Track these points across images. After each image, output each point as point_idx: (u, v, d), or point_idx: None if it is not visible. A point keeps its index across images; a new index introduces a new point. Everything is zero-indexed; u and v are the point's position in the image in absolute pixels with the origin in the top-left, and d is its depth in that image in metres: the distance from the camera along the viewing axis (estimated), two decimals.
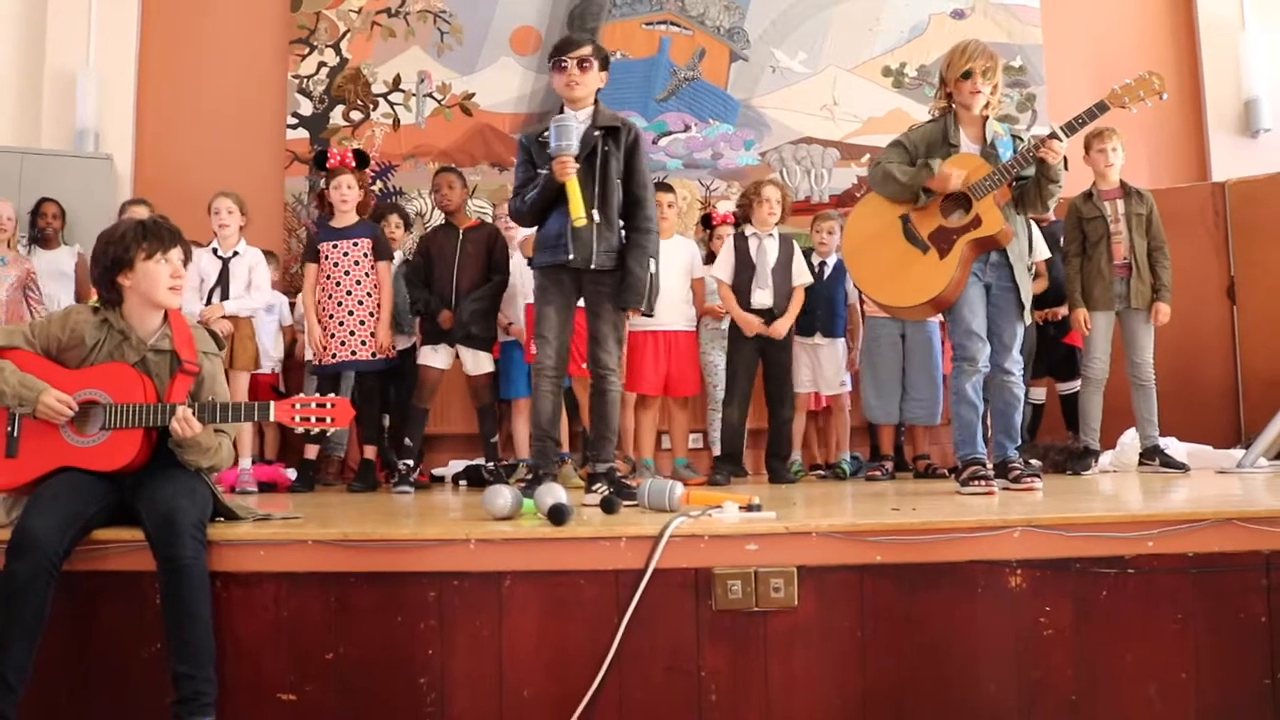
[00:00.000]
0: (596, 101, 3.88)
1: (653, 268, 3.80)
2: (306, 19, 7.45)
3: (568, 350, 3.90)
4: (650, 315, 3.86)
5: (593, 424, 3.94)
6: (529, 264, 3.95)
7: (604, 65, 3.87)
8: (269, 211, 6.97)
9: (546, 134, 3.77)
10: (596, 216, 3.69)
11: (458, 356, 5.22)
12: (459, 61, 7.44)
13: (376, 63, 7.44)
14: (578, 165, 3.66)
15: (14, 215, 5.77)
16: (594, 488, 3.70)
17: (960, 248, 3.80)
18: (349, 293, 5.15)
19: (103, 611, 2.73)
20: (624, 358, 3.93)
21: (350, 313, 5.14)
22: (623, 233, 3.85)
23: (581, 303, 3.92)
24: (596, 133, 3.76)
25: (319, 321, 5.16)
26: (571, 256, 3.72)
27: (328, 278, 5.17)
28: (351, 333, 5.12)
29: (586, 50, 3.82)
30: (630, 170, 3.84)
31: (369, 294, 5.16)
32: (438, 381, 5.22)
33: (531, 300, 4.72)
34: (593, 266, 3.74)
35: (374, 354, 5.14)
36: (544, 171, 3.73)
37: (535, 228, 3.96)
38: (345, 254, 5.18)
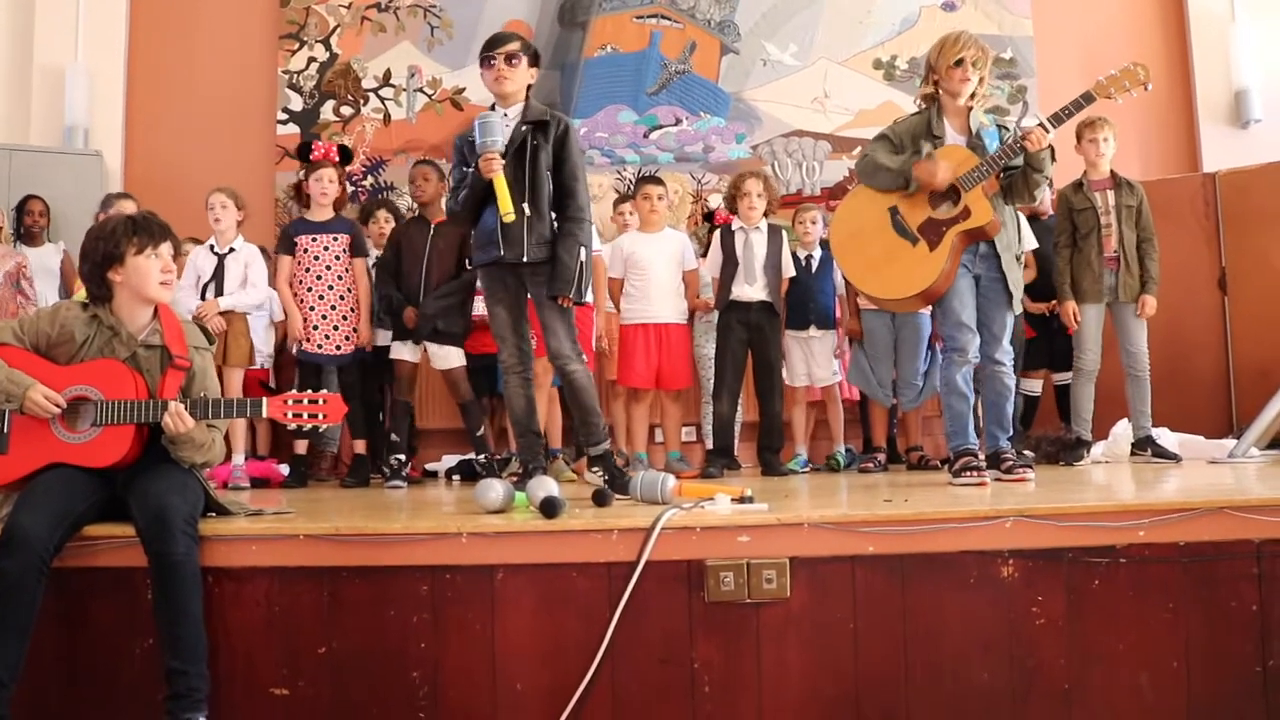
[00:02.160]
0: (527, 97, 3.87)
1: (583, 256, 3.76)
2: (296, 14, 7.43)
3: (529, 344, 3.90)
4: (581, 303, 3.82)
5: (572, 413, 3.94)
6: (468, 264, 3.93)
7: (534, 61, 3.87)
8: (259, 207, 6.91)
9: None
10: (527, 210, 3.67)
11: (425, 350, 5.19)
12: (450, 56, 7.42)
13: (367, 57, 7.42)
14: (504, 161, 3.65)
15: (1, 211, 5.74)
16: (592, 469, 3.71)
17: (950, 239, 3.81)
18: (330, 287, 5.16)
19: (94, 608, 2.72)
20: (578, 338, 3.88)
21: (332, 307, 5.15)
22: (554, 224, 3.81)
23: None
24: (524, 127, 3.75)
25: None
26: (502, 253, 3.70)
27: (306, 270, 5.18)
28: (321, 328, 5.14)
29: (514, 46, 3.81)
30: (560, 161, 3.81)
31: (348, 290, 5.18)
32: (412, 374, 5.20)
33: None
34: (525, 260, 3.72)
35: (357, 347, 5.14)
36: (467, 169, 3.71)
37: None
38: (326, 248, 5.18)
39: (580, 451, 5.44)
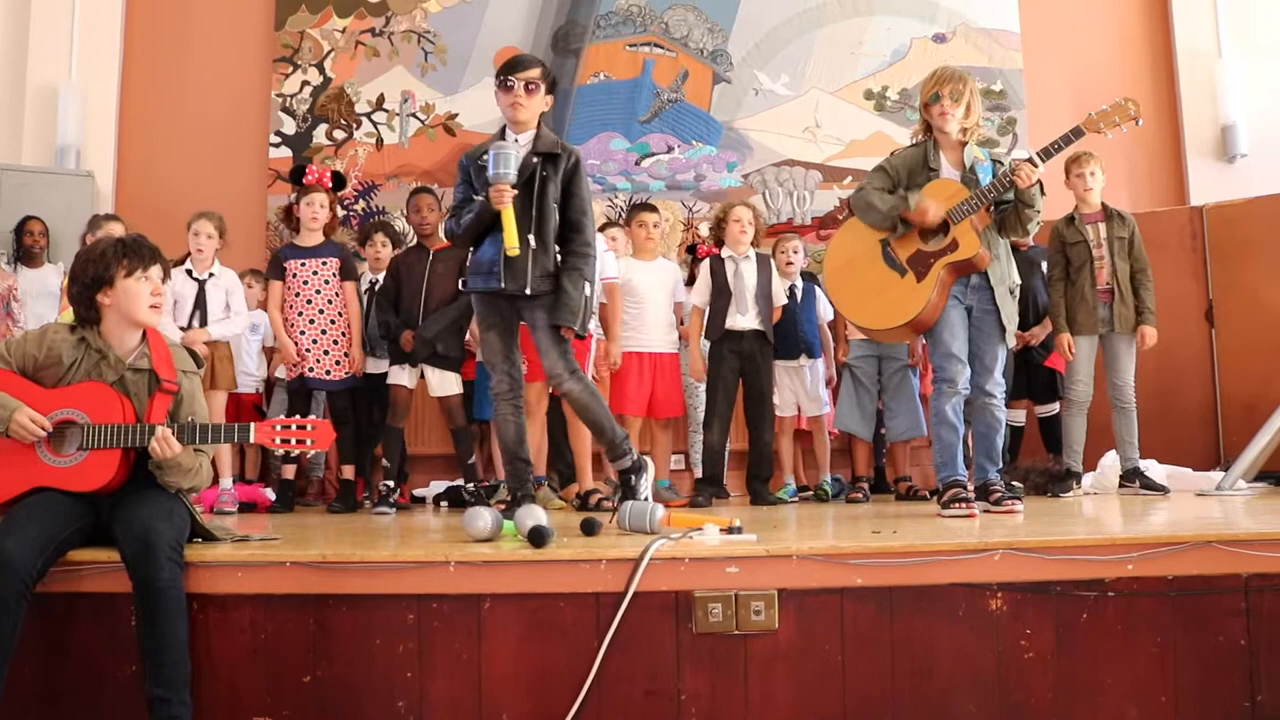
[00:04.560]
0: (540, 125, 3.83)
1: (588, 290, 3.73)
2: (290, 37, 7.46)
3: (519, 371, 3.86)
4: (583, 337, 3.80)
5: (593, 434, 3.91)
6: (462, 287, 3.90)
7: (551, 89, 3.83)
8: (251, 230, 6.96)
9: (486, 157, 3.71)
10: (532, 243, 3.64)
11: (423, 377, 5.17)
12: (443, 82, 7.46)
13: (360, 82, 7.45)
14: (514, 193, 3.61)
15: None
16: (632, 480, 3.70)
17: (937, 271, 3.83)
18: (321, 311, 5.14)
19: (77, 633, 2.70)
20: (574, 359, 3.87)
21: (323, 331, 5.14)
22: (559, 256, 3.77)
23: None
24: (535, 159, 3.71)
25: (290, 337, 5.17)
26: (504, 285, 3.67)
27: (296, 295, 5.16)
28: (312, 352, 5.12)
29: (535, 73, 3.76)
30: (569, 195, 3.77)
31: (339, 314, 5.17)
32: (408, 401, 5.16)
33: None
34: (528, 292, 3.68)
35: (347, 372, 5.14)
36: (477, 198, 3.69)
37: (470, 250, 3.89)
38: (315, 273, 5.16)
39: (567, 480, 5.43)
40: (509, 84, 3.75)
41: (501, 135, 3.83)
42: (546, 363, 3.75)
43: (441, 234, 4.02)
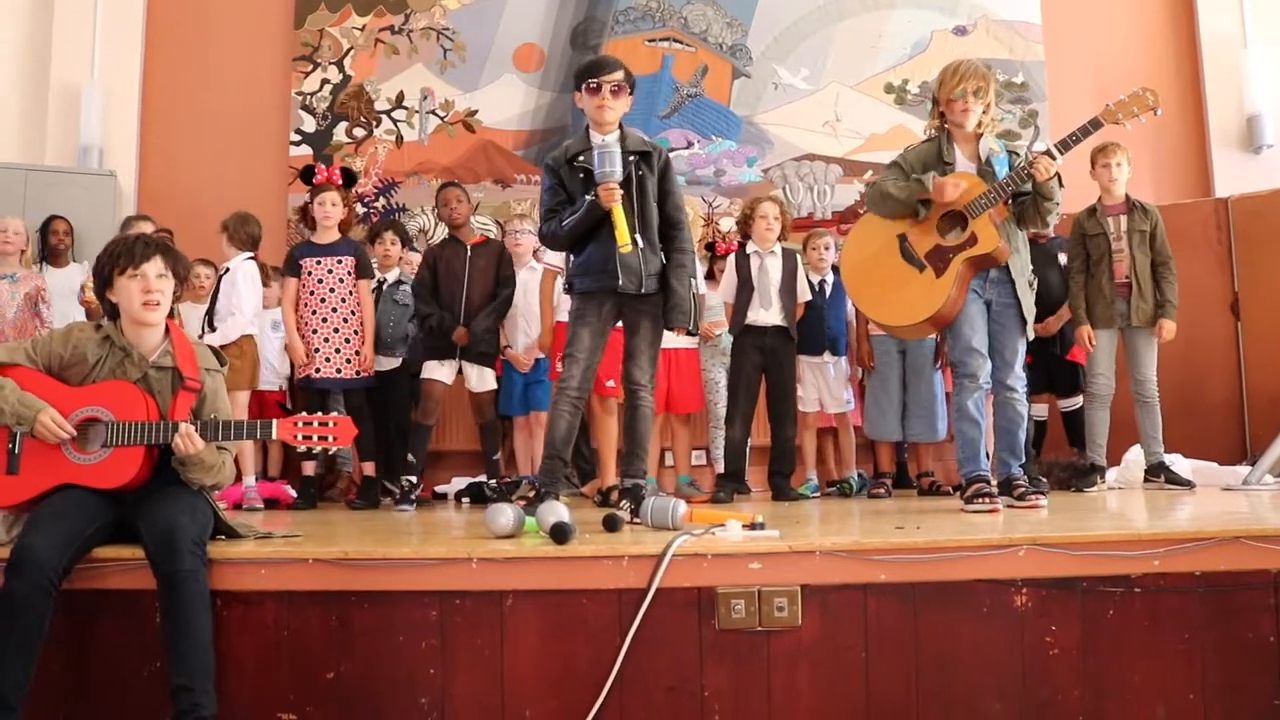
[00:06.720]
0: (621, 125, 3.86)
1: (695, 287, 3.82)
2: (310, 36, 7.49)
3: (594, 374, 3.86)
4: (696, 334, 3.83)
5: (624, 439, 3.93)
6: (567, 290, 3.91)
7: (631, 89, 3.86)
8: (272, 227, 6.91)
9: (580, 158, 3.74)
10: (639, 241, 3.68)
11: (460, 372, 5.20)
12: (462, 78, 7.47)
13: (380, 80, 7.48)
14: (623, 192, 3.64)
15: (23, 231, 5.71)
16: (621, 504, 3.66)
17: (956, 266, 3.80)
18: (334, 310, 5.15)
19: (102, 630, 2.72)
20: (655, 377, 3.91)
21: (335, 330, 5.14)
22: (663, 255, 3.84)
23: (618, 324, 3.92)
24: (631, 158, 3.72)
25: (301, 336, 5.17)
26: (622, 283, 3.71)
27: (311, 293, 5.17)
28: (323, 350, 5.13)
29: (619, 75, 3.79)
30: (664, 193, 3.85)
31: (352, 312, 5.17)
32: (442, 397, 5.19)
33: (561, 319, 4.83)
34: (643, 291, 3.75)
35: (358, 372, 5.14)
36: (589, 197, 3.67)
37: (569, 252, 3.93)
38: (330, 271, 5.17)
39: (586, 477, 5.43)
40: (596, 86, 3.77)
41: (586, 135, 3.84)
42: (634, 370, 3.81)
43: (540, 238, 3.98)
